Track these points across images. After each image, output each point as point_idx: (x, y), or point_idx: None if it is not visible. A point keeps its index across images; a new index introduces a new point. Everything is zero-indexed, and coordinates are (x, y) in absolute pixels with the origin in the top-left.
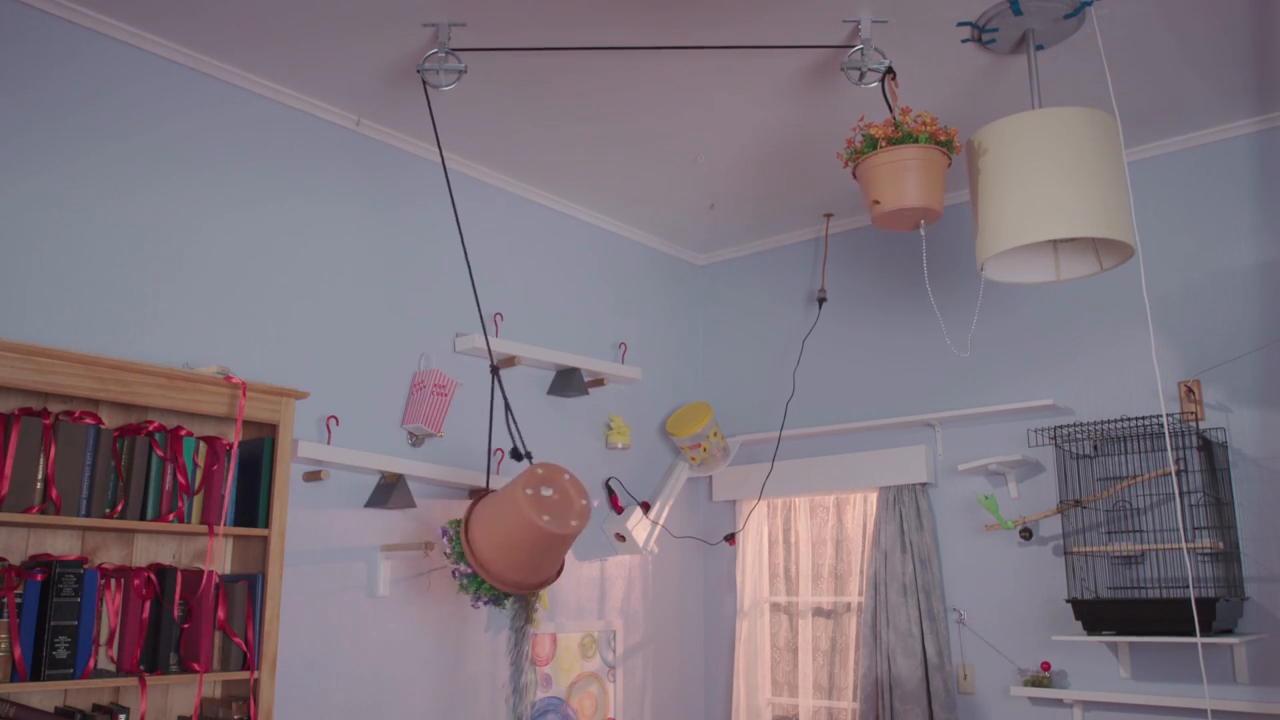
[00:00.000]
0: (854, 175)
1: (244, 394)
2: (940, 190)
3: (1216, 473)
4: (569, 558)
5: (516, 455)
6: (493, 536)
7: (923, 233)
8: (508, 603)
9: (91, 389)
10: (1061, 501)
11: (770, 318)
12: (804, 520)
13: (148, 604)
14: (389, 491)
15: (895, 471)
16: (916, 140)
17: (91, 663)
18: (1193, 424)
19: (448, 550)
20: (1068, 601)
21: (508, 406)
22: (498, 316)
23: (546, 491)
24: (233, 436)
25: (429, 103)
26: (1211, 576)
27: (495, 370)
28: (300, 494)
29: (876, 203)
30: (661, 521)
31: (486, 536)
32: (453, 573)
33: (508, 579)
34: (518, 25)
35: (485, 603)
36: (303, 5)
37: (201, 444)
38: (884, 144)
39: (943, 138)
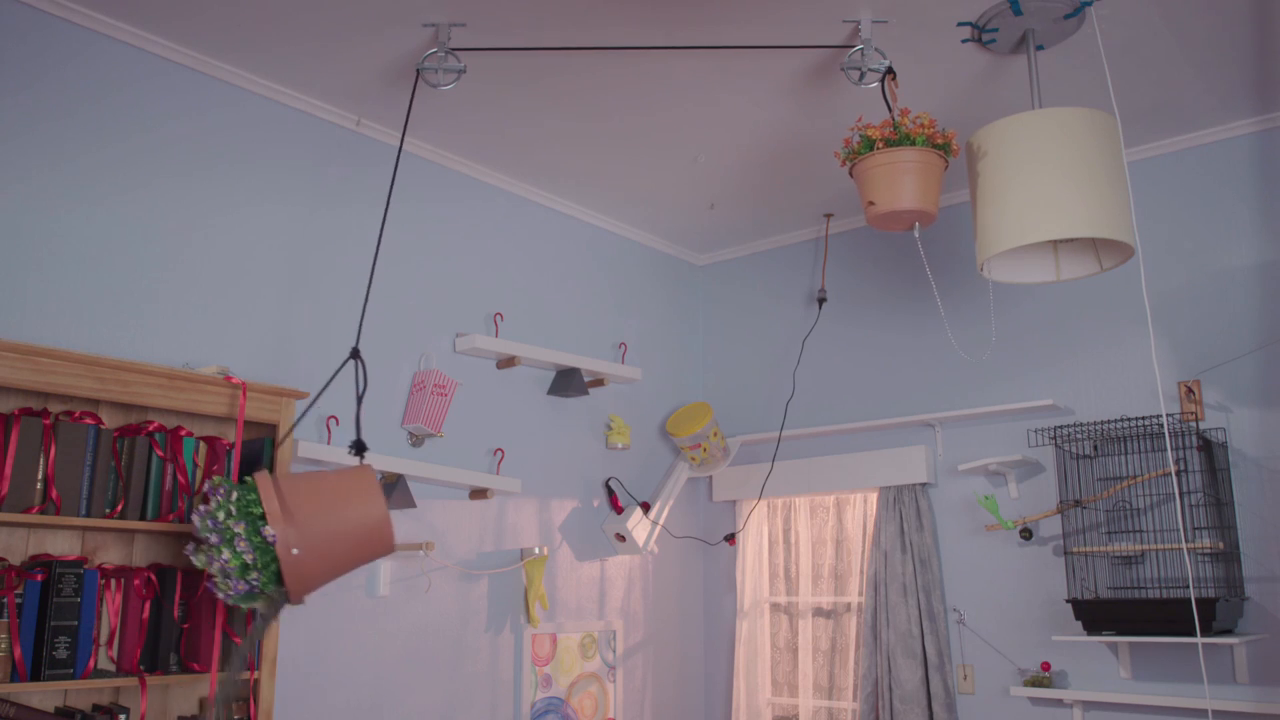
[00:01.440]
0: (851, 175)
1: (244, 394)
2: (936, 193)
3: (1216, 473)
4: (569, 557)
5: (359, 449)
6: (321, 523)
7: (918, 235)
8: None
9: (91, 389)
10: (1061, 501)
11: (770, 318)
12: (804, 520)
13: (148, 604)
14: (389, 491)
15: (895, 471)
16: (914, 143)
17: (91, 663)
18: (1193, 424)
19: (229, 509)
20: (1068, 601)
21: (359, 396)
22: (498, 316)
23: None
24: (233, 436)
25: (412, 98)
26: (1211, 576)
27: (356, 353)
28: None
29: (872, 204)
30: (661, 522)
31: (312, 518)
32: (222, 536)
33: (308, 574)
34: (517, 25)
35: (236, 592)
36: (303, 5)
37: (201, 444)
38: (881, 145)
39: (940, 140)
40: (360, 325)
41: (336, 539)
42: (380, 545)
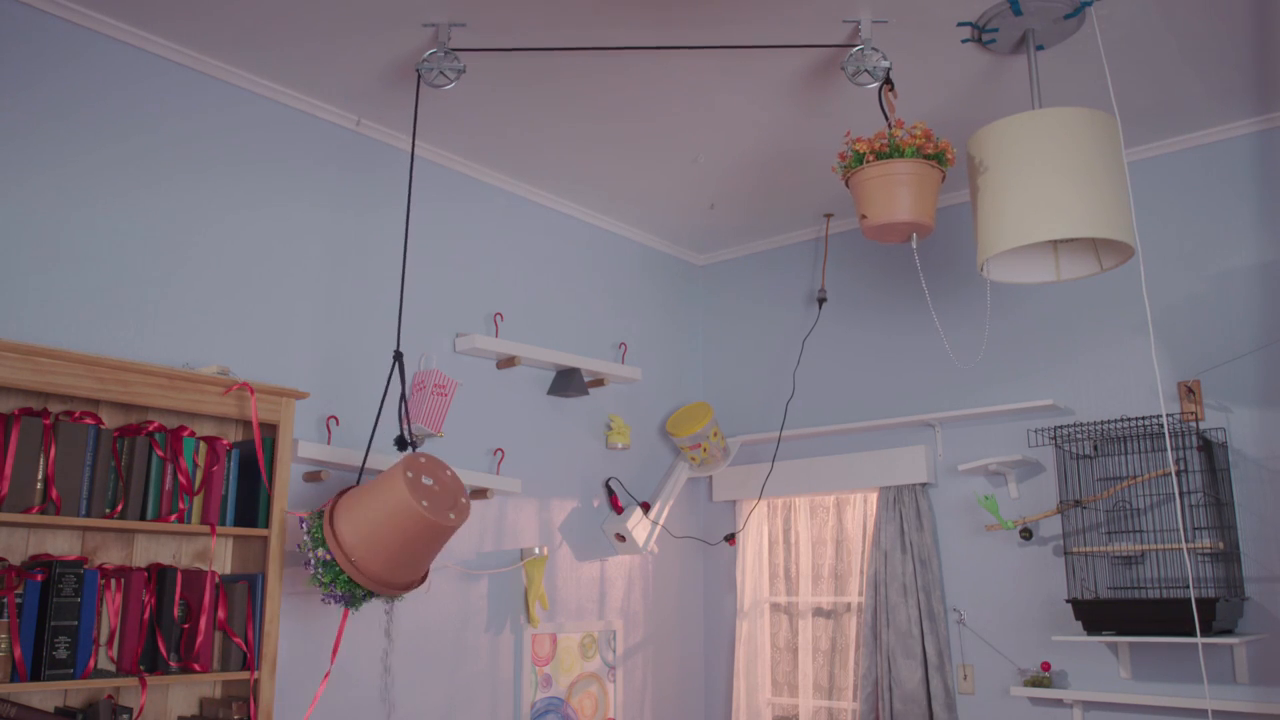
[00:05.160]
0: (847, 186)
1: (253, 396)
2: (932, 204)
3: (1216, 473)
4: (569, 557)
5: (402, 444)
6: (362, 524)
7: (914, 246)
8: (363, 605)
9: (91, 389)
10: (1061, 501)
11: (770, 318)
12: (804, 520)
13: (148, 604)
14: None
15: (895, 471)
16: (904, 154)
17: (91, 663)
18: (1193, 424)
19: (305, 538)
20: (1068, 601)
21: (403, 396)
22: (498, 316)
23: (427, 481)
24: (233, 436)
25: (417, 99)
26: (1211, 576)
27: (398, 356)
28: (300, 494)
29: (864, 216)
30: (661, 522)
31: (354, 523)
32: (306, 562)
33: (370, 572)
34: (517, 25)
35: (337, 599)
36: (303, 5)
37: (201, 444)
38: (871, 158)
39: (931, 150)
40: (399, 328)
41: (379, 533)
42: (420, 523)
